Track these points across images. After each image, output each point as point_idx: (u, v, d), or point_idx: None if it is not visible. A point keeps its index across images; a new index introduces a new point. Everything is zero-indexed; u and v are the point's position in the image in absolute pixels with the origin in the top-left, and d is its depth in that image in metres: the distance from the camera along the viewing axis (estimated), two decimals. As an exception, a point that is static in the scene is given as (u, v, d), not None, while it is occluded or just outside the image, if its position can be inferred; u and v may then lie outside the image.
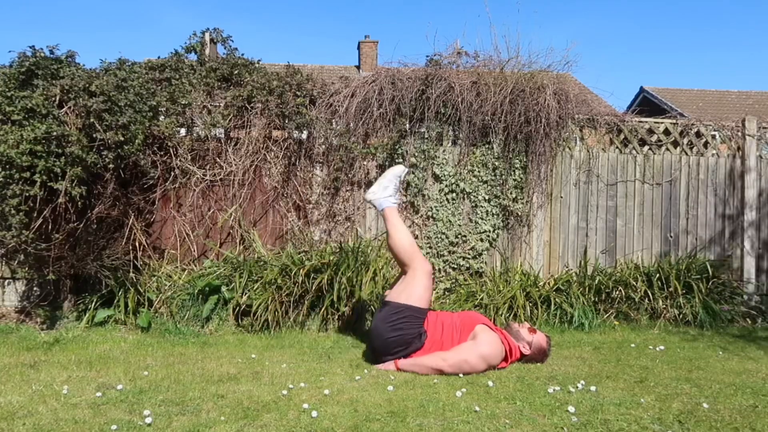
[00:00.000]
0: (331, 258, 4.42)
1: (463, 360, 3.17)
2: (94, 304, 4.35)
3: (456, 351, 3.23)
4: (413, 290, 3.36)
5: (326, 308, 4.30)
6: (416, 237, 5.13)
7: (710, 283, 4.95)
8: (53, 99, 4.03)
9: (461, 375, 3.12)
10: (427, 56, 5.43)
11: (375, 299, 4.27)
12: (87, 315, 4.28)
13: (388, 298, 3.43)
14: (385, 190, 3.63)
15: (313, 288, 4.24)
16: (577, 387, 2.94)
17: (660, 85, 20.02)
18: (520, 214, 5.24)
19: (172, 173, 4.84)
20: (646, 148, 5.50)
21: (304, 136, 5.08)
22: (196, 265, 4.80)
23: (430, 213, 5.14)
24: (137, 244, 4.61)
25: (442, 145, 5.17)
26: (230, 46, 5.51)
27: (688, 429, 2.41)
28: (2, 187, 3.85)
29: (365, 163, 5.11)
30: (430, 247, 5.11)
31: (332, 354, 3.65)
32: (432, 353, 3.25)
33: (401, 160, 5.10)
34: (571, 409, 2.58)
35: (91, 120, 4.04)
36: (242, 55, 5.39)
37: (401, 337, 3.25)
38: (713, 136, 5.62)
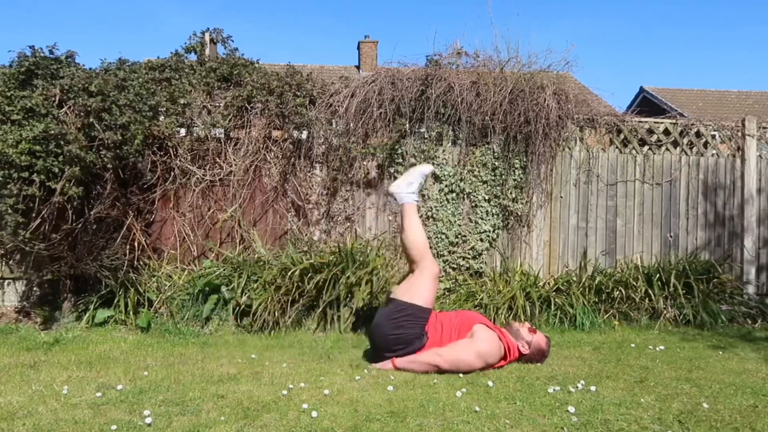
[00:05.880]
0: (331, 258, 4.42)
1: (458, 356, 3.17)
2: (93, 304, 4.35)
3: (452, 347, 3.23)
4: (418, 290, 3.37)
5: (326, 308, 4.30)
6: (416, 237, 5.12)
7: (710, 283, 4.96)
8: (53, 99, 4.02)
9: (461, 375, 3.12)
10: (427, 56, 5.44)
11: (375, 299, 4.27)
12: (87, 315, 4.28)
13: (393, 295, 3.43)
14: (410, 186, 3.64)
15: (313, 288, 4.24)
16: (577, 387, 2.94)
17: (660, 85, 19.99)
18: (520, 214, 5.23)
19: (172, 173, 4.84)
20: (645, 148, 5.50)
21: (304, 136, 5.07)
22: (195, 265, 4.80)
23: (430, 213, 5.13)
24: (137, 244, 4.61)
25: (441, 145, 5.16)
26: (230, 46, 5.52)
27: (688, 429, 2.41)
28: (0, 186, 3.85)
29: (365, 163, 5.11)
30: (430, 247, 5.10)
31: (332, 354, 3.65)
32: (428, 350, 3.25)
33: (401, 160, 5.10)
34: (571, 409, 2.58)
35: (91, 120, 4.03)
36: (242, 55, 5.40)
37: (402, 336, 3.25)
38: (713, 136, 5.62)
